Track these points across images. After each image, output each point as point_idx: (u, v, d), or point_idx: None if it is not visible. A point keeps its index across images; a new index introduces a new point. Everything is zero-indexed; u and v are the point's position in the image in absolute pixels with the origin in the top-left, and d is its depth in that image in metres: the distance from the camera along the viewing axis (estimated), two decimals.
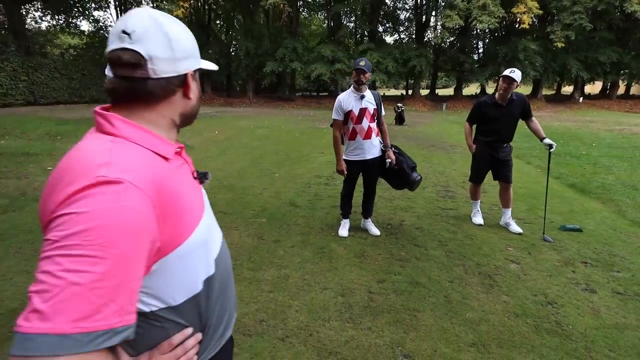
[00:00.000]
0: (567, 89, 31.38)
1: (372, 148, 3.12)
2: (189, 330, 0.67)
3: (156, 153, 0.62)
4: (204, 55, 22.93)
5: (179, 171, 0.68)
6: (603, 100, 24.40)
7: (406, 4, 27.50)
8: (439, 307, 2.30)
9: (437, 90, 33.71)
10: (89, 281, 0.44)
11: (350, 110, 3.02)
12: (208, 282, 0.70)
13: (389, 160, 3.11)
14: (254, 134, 10.35)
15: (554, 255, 3.03)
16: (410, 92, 28.98)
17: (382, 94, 34.40)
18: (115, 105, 0.64)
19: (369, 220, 3.48)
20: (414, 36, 26.59)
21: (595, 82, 27.97)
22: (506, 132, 3.38)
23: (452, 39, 25.58)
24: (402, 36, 29.44)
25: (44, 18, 25.63)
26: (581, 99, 24.34)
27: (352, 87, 3.06)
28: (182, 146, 0.74)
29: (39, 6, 24.23)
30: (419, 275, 2.68)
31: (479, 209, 3.78)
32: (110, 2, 25.60)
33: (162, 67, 0.62)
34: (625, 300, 2.41)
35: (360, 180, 3.34)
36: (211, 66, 0.79)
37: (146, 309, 0.60)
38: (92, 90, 21.05)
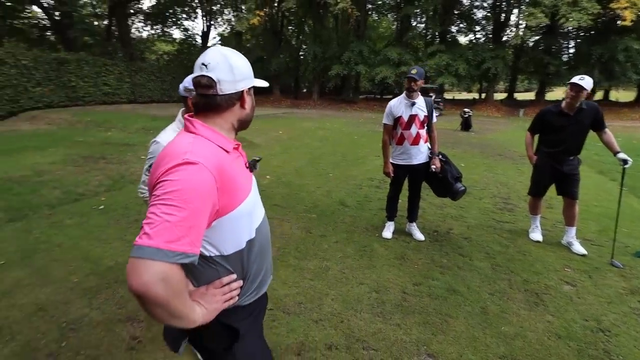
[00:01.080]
0: None
1: (418, 154, 3.17)
2: (234, 275, 0.93)
3: (220, 147, 0.89)
4: (276, 59, 24.37)
5: (235, 161, 0.95)
6: None
7: (484, 1, 25.66)
8: (474, 317, 2.29)
9: (515, 95, 30.80)
10: (176, 220, 0.71)
11: (400, 116, 3.12)
12: (249, 243, 0.95)
13: (434, 167, 3.14)
14: (315, 135, 10.79)
15: (620, 282, 2.74)
16: (484, 95, 26.99)
17: (451, 97, 32.63)
18: (197, 114, 0.93)
19: (414, 224, 3.52)
20: (491, 36, 24.68)
21: None
22: (573, 144, 3.12)
23: (536, 38, 23.17)
24: (477, 36, 27.59)
25: (144, 28, 29.85)
26: None
27: (404, 93, 3.15)
28: (239, 144, 1.00)
29: (142, 18, 28.29)
30: (458, 283, 2.68)
31: (539, 224, 3.55)
32: (198, 13, 28.69)
33: (226, 86, 0.89)
34: None
35: (407, 184, 3.41)
36: (262, 83, 1.04)
37: (207, 253, 0.87)
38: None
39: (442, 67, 20.10)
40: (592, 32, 21.30)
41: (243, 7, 26.01)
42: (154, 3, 26.92)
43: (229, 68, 0.88)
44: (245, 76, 0.93)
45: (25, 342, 2.05)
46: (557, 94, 30.79)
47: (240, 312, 0.99)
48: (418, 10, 23.41)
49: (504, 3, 22.49)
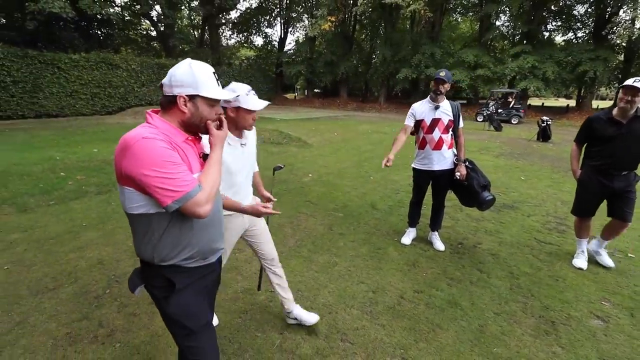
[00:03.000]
0: None
1: (441, 159, 3.07)
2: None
3: (169, 137, 1.11)
4: (345, 62, 24.67)
5: (183, 149, 1.14)
6: None
7: None
8: (467, 332, 2.19)
9: None
10: (173, 175, 1.05)
11: (422, 120, 3.06)
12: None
13: (458, 174, 3.00)
14: (369, 138, 10.77)
15: None
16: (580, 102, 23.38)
17: (540, 104, 29.05)
18: (160, 110, 1.18)
19: (436, 233, 3.40)
20: (592, 34, 21.22)
21: None
22: (626, 157, 2.70)
23: None
24: (578, 34, 23.95)
25: (232, 36, 32.98)
26: None
27: (429, 96, 3.09)
28: (193, 138, 1.21)
29: (230, 27, 31.33)
30: (463, 297, 2.55)
31: (585, 250, 3.12)
32: (277, 21, 30.67)
33: (166, 89, 1.13)
34: None
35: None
36: (215, 94, 1.16)
37: (142, 210, 1.11)
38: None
39: (527, 70, 18.03)
40: None
41: (319, 12, 27.07)
42: (241, 13, 29.61)
43: (169, 76, 1.12)
44: (182, 84, 1.11)
45: (83, 285, 2.63)
46: None
47: (182, 271, 1.21)
48: (505, 7, 21.30)
49: None
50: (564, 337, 2.17)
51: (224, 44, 32.81)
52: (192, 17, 28.76)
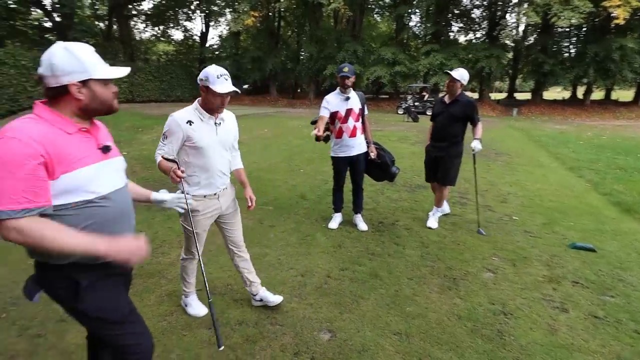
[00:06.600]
0: None
1: (357, 145, 3.32)
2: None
3: (59, 128, 1.04)
4: (272, 59, 24.45)
5: (78, 140, 1.08)
6: None
7: (483, 0, 25.39)
8: (384, 298, 2.43)
9: (516, 95, 30.65)
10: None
11: (337, 111, 3.25)
12: (87, 204, 1.09)
13: (372, 154, 3.31)
14: (299, 133, 10.91)
15: (542, 270, 2.85)
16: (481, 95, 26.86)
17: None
18: (47, 101, 1.09)
19: (359, 215, 3.65)
20: (487, 35, 24.56)
21: None
22: (444, 130, 3.45)
23: (535, 37, 23.06)
24: (477, 35, 27.49)
25: (146, 29, 30.22)
26: None
27: (337, 89, 3.30)
28: (88, 128, 1.14)
29: (143, 19, 28.68)
30: (382, 269, 2.81)
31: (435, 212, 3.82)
32: (197, 13, 28.95)
33: (50, 81, 1.04)
34: (600, 326, 2.21)
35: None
36: (109, 74, 1.12)
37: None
38: (177, 91, 24.15)
39: (436, 67, 20.09)
40: (587, 31, 21.16)
41: (241, 7, 26.25)
42: (154, 4, 27.24)
43: (49, 66, 1.02)
44: (69, 72, 1.03)
45: None
46: (552, 93, 30.63)
47: (85, 269, 1.13)
48: (412, 10, 23.40)
49: (499, 2, 22.36)
50: (462, 290, 2.54)
51: (137, 38, 29.92)
52: (96, 7, 25.59)
